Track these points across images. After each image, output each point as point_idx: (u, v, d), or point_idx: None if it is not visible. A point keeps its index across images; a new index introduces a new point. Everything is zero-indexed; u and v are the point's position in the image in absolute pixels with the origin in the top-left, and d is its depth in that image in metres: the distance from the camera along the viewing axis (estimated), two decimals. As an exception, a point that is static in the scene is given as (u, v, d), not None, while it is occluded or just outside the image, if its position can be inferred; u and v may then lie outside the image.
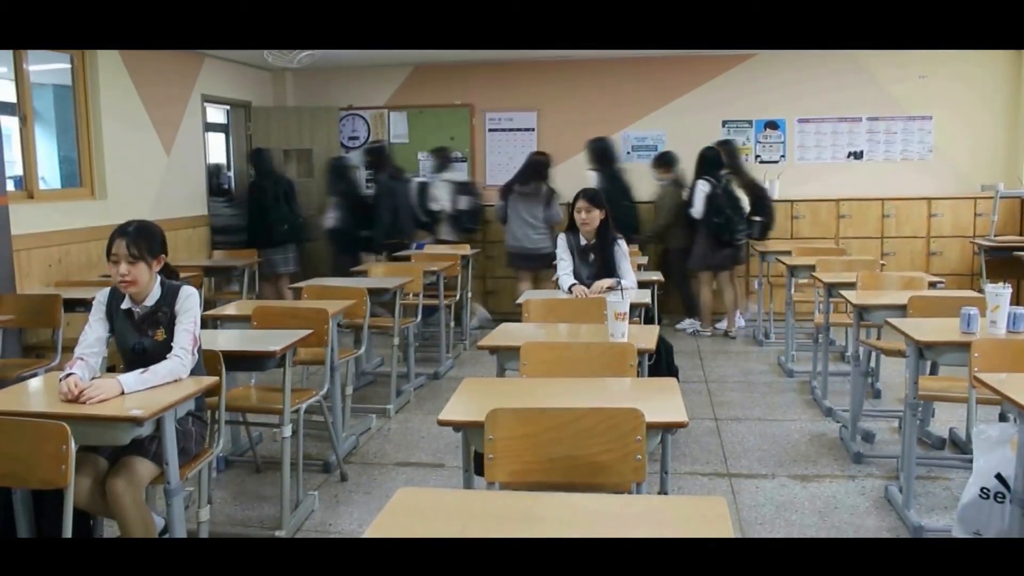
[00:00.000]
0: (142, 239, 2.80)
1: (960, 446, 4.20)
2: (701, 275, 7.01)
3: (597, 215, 4.44)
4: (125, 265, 2.77)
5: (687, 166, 7.17)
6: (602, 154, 7.12)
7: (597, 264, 4.47)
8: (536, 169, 7.03)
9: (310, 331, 3.66)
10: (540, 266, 6.82)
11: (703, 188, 6.76)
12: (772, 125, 8.04)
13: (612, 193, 6.25)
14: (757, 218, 6.93)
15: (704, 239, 6.81)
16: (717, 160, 6.85)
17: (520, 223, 6.96)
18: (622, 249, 4.47)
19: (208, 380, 2.82)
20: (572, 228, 4.53)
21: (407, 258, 6.60)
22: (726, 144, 7.12)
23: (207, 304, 5.60)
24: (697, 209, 6.79)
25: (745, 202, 6.83)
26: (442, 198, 7.19)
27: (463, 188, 7.33)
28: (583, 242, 4.50)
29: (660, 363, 3.98)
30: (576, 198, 4.51)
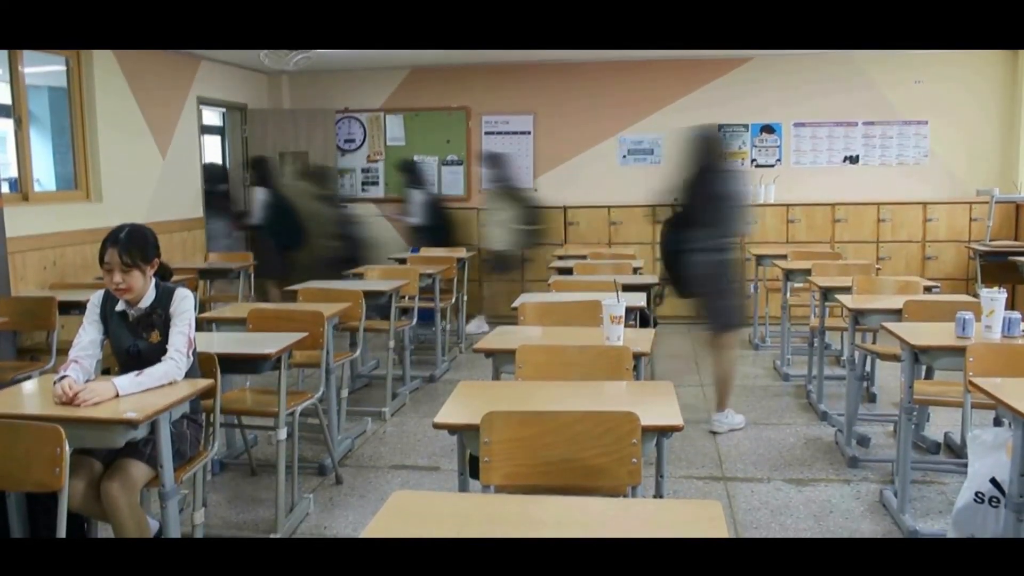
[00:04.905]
0: (135, 246, 2.78)
1: (955, 450, 4.21)
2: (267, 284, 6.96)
3: None
4: (119, 274, 2.76)
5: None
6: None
7: None
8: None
9: (306, 334, 3.66)
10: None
11: (260, 196, 6.99)
12: (768, 129, 8.05)
13: None
14: (531, 227, 7.12)
15: (267, 247, 6.98)
16: (269, 169, 7.22)
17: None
18: None
19: (203, 383, 2.81)
20: None
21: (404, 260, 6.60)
22: (496, 157, 7.29)
23: (202, 306, 5.59)
24: (256, 215, 7.01)
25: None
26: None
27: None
28: None
29: None
30: None
